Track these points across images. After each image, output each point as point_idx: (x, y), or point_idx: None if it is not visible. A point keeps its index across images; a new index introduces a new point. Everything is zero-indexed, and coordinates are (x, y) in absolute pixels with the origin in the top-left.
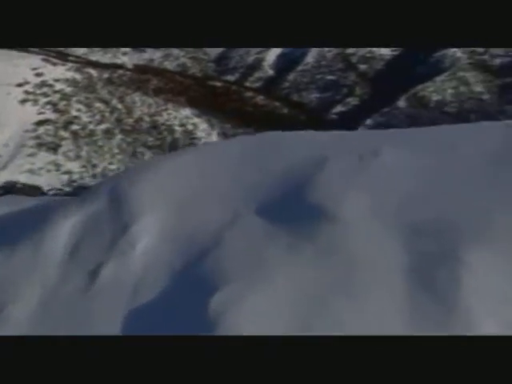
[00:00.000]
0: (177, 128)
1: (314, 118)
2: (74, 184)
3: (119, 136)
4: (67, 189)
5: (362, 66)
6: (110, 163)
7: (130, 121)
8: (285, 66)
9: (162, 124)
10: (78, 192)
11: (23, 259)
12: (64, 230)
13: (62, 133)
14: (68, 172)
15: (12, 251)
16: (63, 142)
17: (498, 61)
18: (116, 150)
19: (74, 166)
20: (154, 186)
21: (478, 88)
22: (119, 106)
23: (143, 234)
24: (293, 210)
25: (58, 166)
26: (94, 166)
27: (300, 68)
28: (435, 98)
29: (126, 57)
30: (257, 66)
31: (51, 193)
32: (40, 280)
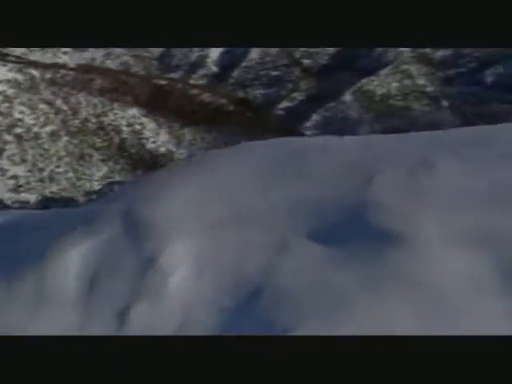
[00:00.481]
0: (124, 128)
1: (261, 114)
2: (21, 189)
3: (65, 138)
4: (14, 195)
5: (306, 61)
6: (57, 166)
7: (76, 122)
8: (229, 62)
9: (109, 124)
10: (45, 206)
11: (25, 297)
12: (73, 262)
13: (6, 136)
14: (14, 177)
15: (9, 285)
16: (7, 146)
17: (439, 53)
18: (63, 153)
19: (20, 171)
20: (180, 205)
21: (422, 81)
22: (64, 107)
23: (176, 266)
24: (351, 232)
25: (2, 171)
26: (41, 169)
27: (244, 64)
28: (380, 91)
29: (67, 56)
30: (200, 63)
31: (16, 206)
32: (52, 324)
